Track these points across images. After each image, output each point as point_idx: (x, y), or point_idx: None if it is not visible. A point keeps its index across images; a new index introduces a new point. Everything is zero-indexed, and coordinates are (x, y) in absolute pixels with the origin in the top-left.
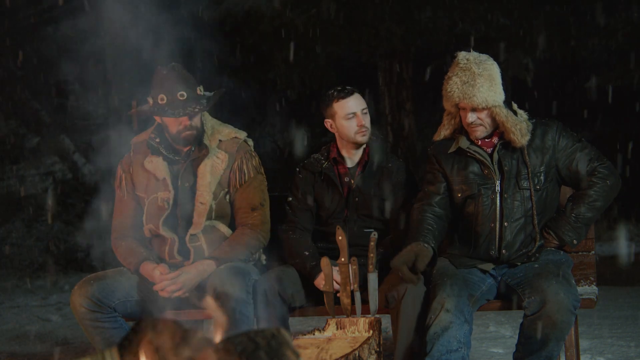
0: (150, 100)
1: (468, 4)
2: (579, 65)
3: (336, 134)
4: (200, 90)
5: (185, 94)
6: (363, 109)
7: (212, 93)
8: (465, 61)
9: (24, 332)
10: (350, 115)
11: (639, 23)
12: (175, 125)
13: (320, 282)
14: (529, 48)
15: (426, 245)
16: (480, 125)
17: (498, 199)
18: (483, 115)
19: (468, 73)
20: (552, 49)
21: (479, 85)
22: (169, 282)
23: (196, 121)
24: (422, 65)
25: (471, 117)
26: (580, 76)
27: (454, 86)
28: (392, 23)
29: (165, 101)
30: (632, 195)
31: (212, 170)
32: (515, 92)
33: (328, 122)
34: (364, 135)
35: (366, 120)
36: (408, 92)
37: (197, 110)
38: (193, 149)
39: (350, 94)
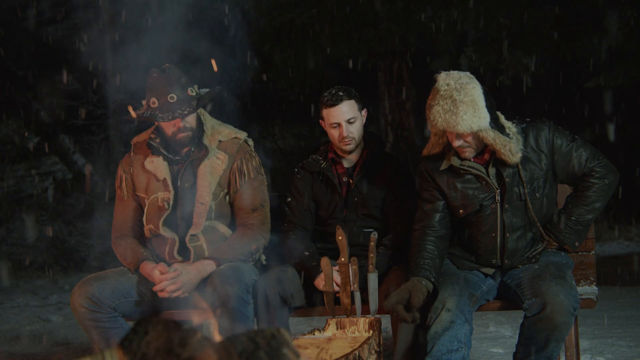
0: (145, 104)
1: (468, 4)
2: (579, 65)
3: None
4: (191, 90)
5: (175, 96)
6: (350, 119)
7: (206, 92)
8: (446, 87)
9: (24, 332)
10: (334, 125)
11: (638, 23)
12: (169, 127)
13: (320, 282)
14: (529, 48)
15: (424, 281)
16: (468, 147)
17: (499, 209)
18: (469, 139)
19: (449, 101)
20: (552, 49)
21: (461, 113)
22: (168, 282)
23: (191, 122)
24: (422, 65)
25: (458, 142)
26: (580, 76)
27: (437, 115)
28: (392, 23)
29: (156, 105)
30: (632, 195)
31: (211, 171)
32: (515, 93)
33: (322, 123)
34: (347, 144)
35: (352, 130)
36: (408, 92)
37: (186, 112)
38: (193, 149)
39: (338, 102)
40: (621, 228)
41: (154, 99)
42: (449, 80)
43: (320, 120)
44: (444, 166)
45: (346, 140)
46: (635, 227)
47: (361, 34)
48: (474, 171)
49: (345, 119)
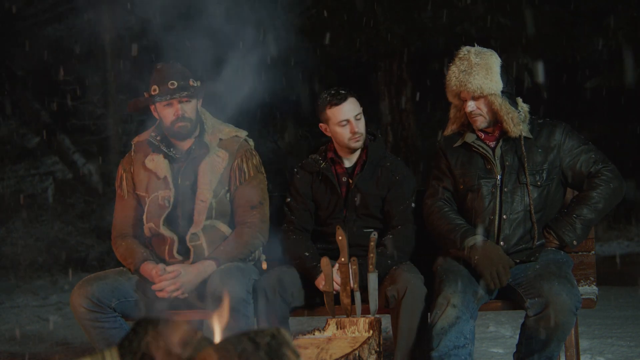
0: (146, 94)
1: (468, 4)
2: (579, 65)
3: (332, 137)
4: (193, 82)
5: (175, 82)
6: (357, 115)
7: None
8: (465, 52)
9: (24, 332)
10: (343, 122)
11: (638, 23)
12: (168, 115)
13: (320, 282)
14: (529, 48)
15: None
16: (480, 115)
17: (498, 192)
18: (481, 104)
19: (466, 62)
20: (552, 49)
21: (474, 73)
22: (168, 282)
23: (190, 113)
24: (422, 65)
25: (470, 106)
26: (580, 76)
27: (452, 75)
28: (392, 23)
29: (157, 92)
30: (632, 195)
31: (212, 169)
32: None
33: (323, 126)
34: (357, 141)
35: (360, 126)
36: (408, 92)
37: (184, 95)
38: (194, 147)
39: (343, 99)
40: (621, 228)
41: (155, 87)
42: (470, 48)
43: (321, 125)
44: (459, 142)
45: (356, 136)
46: (635, 227)
47: (361, 34)
48: (482, 150)
49: (353, 114)
